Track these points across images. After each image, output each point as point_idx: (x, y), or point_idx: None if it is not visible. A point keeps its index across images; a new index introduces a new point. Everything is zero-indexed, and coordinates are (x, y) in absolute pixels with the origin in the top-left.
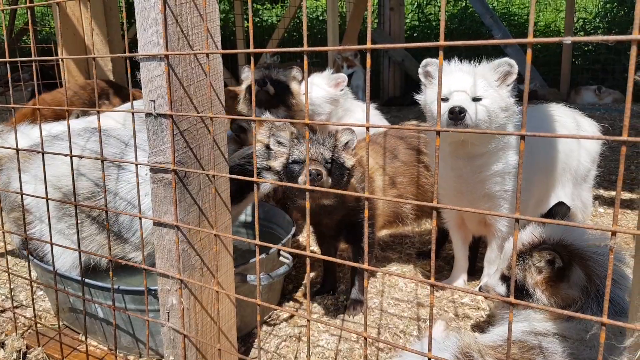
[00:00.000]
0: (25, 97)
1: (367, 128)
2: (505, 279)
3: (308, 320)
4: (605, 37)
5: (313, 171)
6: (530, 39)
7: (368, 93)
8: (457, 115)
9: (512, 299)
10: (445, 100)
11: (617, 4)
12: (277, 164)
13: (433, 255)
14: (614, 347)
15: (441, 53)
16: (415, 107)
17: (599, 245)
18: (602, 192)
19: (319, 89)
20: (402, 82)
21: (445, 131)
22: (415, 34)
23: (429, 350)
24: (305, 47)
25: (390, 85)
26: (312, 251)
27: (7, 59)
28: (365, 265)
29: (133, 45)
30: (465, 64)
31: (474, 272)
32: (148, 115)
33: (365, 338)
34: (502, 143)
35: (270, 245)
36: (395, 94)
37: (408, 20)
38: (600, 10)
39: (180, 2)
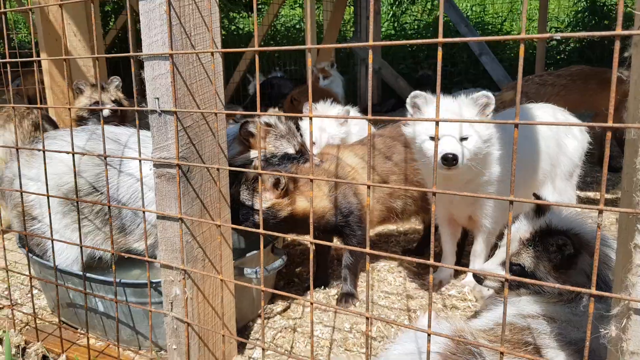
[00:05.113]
0: (9, 100)
1: (370, 123)
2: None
3: (312, 303)
4: (591, 33)
5: None
6: (523, 35)
7: (370, 97)
8: (450, 162)
9: (507, 275)
10: (434, 139)
11: (588, 13)
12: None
13: (432, 237)
14: (603, 318)
15: (440, 49)
16: (391, 114)
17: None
18: (578, 192)
19: (331, 135)
20: (379, 90)
21: (445, 120)
22: None
23: (429, 326)
24: (308, 45)
25: (367, 92)
26: (307, 246)
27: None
28: (367, 250)
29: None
30: (449, 99)
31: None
32: (152, 112)
33: (368, 318)
34: (487, 163)
35: (275, 234)
36: (372, 101)
37: (384, 29)
38: (572, 19)
39: (184, 4)
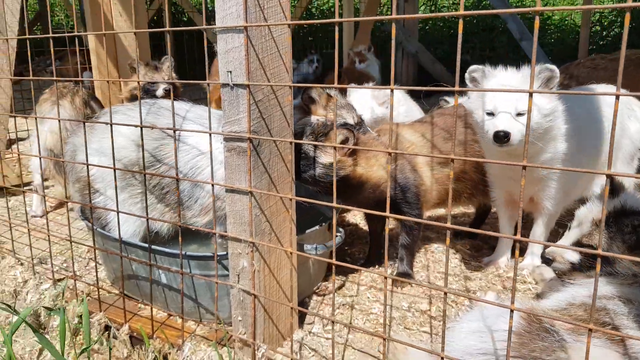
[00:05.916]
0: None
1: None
2: (580, 245)
3: (385, 277)
4: None
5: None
6: (630, 3)
7: (458, 64)
8: (502, 139)
9: (599, 251)
10: (491, 114)
11: None
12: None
13: (520, 212)
14: None
15: (537, 19)
16: (428, 99)
17: None
18: None
19: (371, 113)
20: (416, 74)
21: (537, 92)
22: (427, 26)
23: (512, 302)
24: (394, 15)
25: (404, 77)
26: (356, 226)
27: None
28: (448, 224)
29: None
30: (510, 73)
31: (514, 250)
32: (224, 85)
33: (445, 293)
34: (548, 138)
35: (347, 207)
36: (409, 85)
37: (420, 12)
38: (615, 1)
39: None
